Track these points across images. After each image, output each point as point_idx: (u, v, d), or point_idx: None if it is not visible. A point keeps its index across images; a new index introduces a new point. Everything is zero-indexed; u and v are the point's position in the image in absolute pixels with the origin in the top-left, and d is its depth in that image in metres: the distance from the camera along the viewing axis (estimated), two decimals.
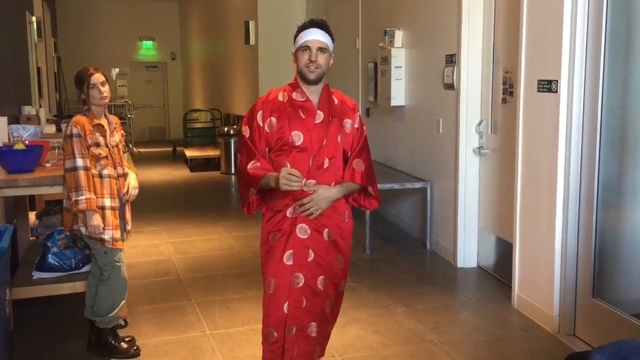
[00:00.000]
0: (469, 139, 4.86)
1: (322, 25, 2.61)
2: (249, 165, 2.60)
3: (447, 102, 5.08)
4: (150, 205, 7.42)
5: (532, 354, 3.44)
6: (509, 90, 4.40)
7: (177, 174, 10.36)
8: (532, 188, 3.87)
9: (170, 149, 13.23)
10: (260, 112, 2.62)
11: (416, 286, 4.57)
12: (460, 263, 4.97)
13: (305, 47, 2.57)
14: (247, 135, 2.64)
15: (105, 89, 3.29)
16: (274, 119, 2.59)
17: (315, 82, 2.59)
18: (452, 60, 4.98)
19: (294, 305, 2.58)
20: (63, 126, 6.83)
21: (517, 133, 3.98)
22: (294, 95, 2.63)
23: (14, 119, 5.72)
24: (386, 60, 6.13)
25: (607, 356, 2.01)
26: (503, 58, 4.50)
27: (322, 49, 2.57)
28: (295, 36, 2.62)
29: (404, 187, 5.57)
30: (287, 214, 2.60)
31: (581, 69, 3.48)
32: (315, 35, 2.57)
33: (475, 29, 4.76)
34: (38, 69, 8.34)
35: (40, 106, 7.76)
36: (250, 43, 9.36)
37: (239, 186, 2.76)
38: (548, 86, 3.65)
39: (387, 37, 6.16)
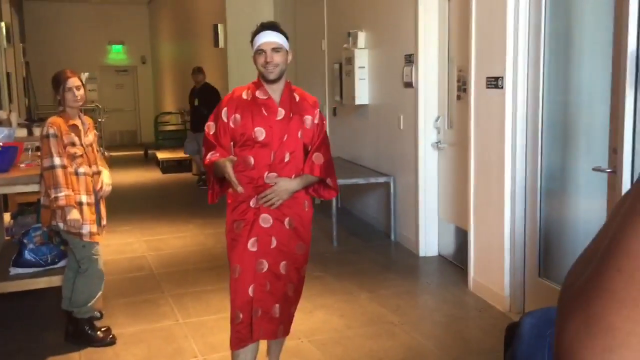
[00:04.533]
0: (427, 134, 5.13)
1: (272, 27, 2.78)
2: (208, 156, 2.80)
3: (407, 100, 5.34)
4: (124, 206, 7.54)
5: (486, 331, 3.71)
6: (462, 87, 4.67)
7: (150, 175, 10.47)
8: (484, 179, 4.15)
9: (142, 152, 13.30)
10: (225, 109, 2.80)
11: (380, 274, 4.82)
12: (422, 252, 5.24)
13: (260, 50, 2.73)
14: (212, 132, 2.82)
15: (80, 93, 3.46)
16: (238, 116, 2.77)
17: (275, 81, 2.78)
18: (410, 59, 5.25)
19: (259, 289, 2.77)
20: (35, 129, 6.94)
21: (469, 128, 4.25)
22: (257, 93, 2.80)
23: None
24: (350, 61, 6.38)
25: (536, 319, 2.26)
26: (457, 57, 4.78)
27: (275, 49, 2.73)
28: (251, 41, 2.79)
29: (369, 181, 5.82)
30: (251, 204, 2.79)
31: (524, 66, 3.76)
32: (267, 38, 2.73)
33: (431, 30, 5.04)
34: (7, 74, 8.41)
35: (10, 110, 7.82)
36: (220, 46, 9.52)
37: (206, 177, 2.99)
38: (495, 83, 3.93)
39: (350, 38, 6.41)
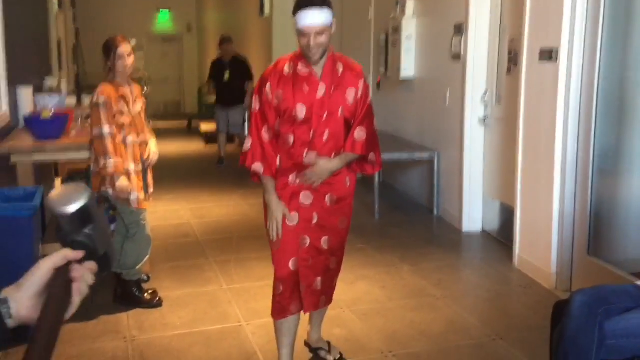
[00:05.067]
0: (474, 109, 5.03)
1: (315, 3, 2.53)
2: (254, 166, 2.75)
3: (454, 73, 5.23)
4: (168, 176, 7.67)
5: (530, 308, 3.66)
6: (513, 59, 4.54)
7: (193, 147, 10.60)
8: (532, 155, 4.05)
9: (185, 122, 13.43)
10: (269, 84, 2.68)
11: (422, 248, 4.79)
12: (465, 228, 5.18)
13: (303, 33, 2.54)
14: (258, 108, 2.72)
15: (131, 60, 3.50)
16: (280, 91, 2.67)
17: (318, 60, 2.67)
18: (460, 29, 5.11)
19: (302, 265, 2.77)
20: (84, 97, 7.08)
21: (518, 102, 4.14)
22: (299, 66, 2.68)
23: (37, 90, 5.97)
24: (397, 30, 6.25)
25: (587, 297, 2.22)
26: (509, 26, 4.63)
27: (319, 32, 2.54)
28: (294, 13, 2.58)
29: (413, 157, 5.76)
30: (289, 180, 2.75)
31: (580, 38, 3.63)
32: (310, 20, 2.52)
33: None
34: (59, 41, 8.55)
35: (60, 78, 7.99)
36: (265, 14, 9.48)
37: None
38: (549, 55, 3.80)
39: (398, 6, 6.26)
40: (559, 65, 3.70)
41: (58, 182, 5.28)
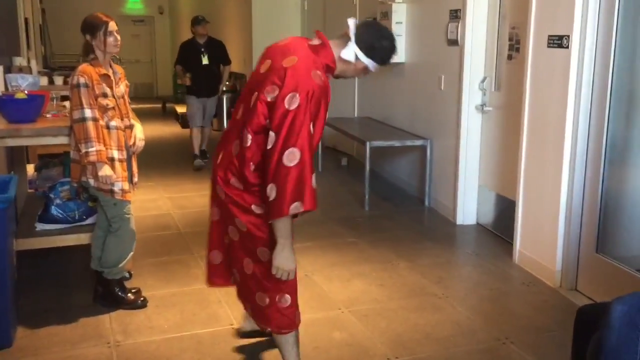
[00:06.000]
0: (471, 96, 4.84)
1: None
2: (294, 206, 2.19)
3: (450, 59, 5.03)
4: (144, 161, 7.29)
5: (535, 307, 3.50)
6: (515, 46, 4.36)
7: (169, 130, 10.25)
8: (538, 145, 3.87)
9: (159, 105, 13.04)
10: (323, 103, 2.26)
11: (417, 242, 4.61)
12: (459, 220, 5.01)
13: (371, 72, 2.46)
14: (311, 130, 2.22)
15: (119, 38, 3.22)
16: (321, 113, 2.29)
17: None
18: (456, 15, 4.92)
19: None
20: (56, 78, 6.69)
21: (524, 89, 3.96)
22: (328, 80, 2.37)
23: (6, 70, 5.57)
24: (386, 15, 6.03)
25: (628, 306, 2.04)
26: (510, 13, 4.44)
27: None
28: (378, 53, 2.39)
29: (404, 144, 5.56)
30: None
31: (594, 24, 3.45)
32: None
33: None
34: (25, 20, 8.09)
35: (29, 58, 7.56)
36: None
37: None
38: (559, 41, 3.61)
39: None
40: (571, 52, 3.52)
41: (30, 168, 4.93)
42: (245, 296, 2.62)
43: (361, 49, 2.36)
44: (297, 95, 2.16)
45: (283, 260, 2.30)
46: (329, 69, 2.37)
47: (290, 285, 2.46)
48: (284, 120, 2.15)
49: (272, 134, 2.18)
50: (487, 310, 3.49)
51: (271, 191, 2.17)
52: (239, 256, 2.48)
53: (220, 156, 2.47)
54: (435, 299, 3.59)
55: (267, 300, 2.46)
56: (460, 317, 3.35)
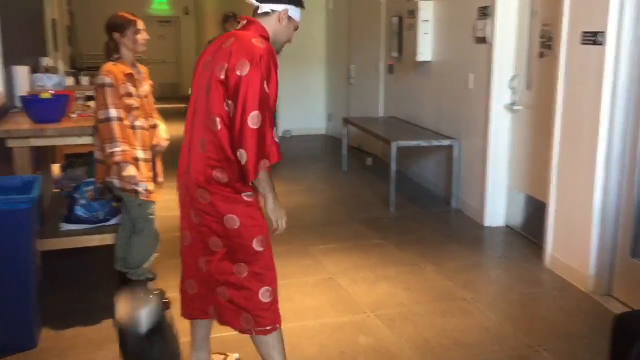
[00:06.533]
0: (501, 94, 4.72)
1: None
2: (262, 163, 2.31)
3: (479, 57, 4.92)
4: (167, 161, 7.34)
5: (568, 312, 3.39)
6: (547, 43, 4.23)
7: None
8: (571, 146, 3.75)
9: (184, 105, 13.08)
10: (275, 68, 2.34)
11: (443, 244, 4.51)
12: (487, 222, 4.90)
13: (297, 27, 2.48)
14: (269, 94, 2.30)
15: (147, 36, 3.22)
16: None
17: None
18: (485, 12, 4.80)
19: None
20: (82, 78, 6.73)
21: (556, 88, 3.84)
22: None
23: (33, 70, 5.61)
24: (413, 13, 5.94)
25: None
26: (541, 9, 4.32)
27: None
28: (295, 2, 2.43)
29: (431, 144, 5.46)
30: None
31: (631, 20, 3.32)
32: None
33: None
34: (53, 20, 8.17)
35: (56, 58, 7.63)
36: None
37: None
38: (593, 38, 3.49)
39: None
40: (606, 49, 3.40)
41: (56, 168, 4.95)
42: (237, 306, 2.48)
43: (286, 3, 2.41)
44: (246, 61, 2.23)
45: (277, 210, 2.42)
46: (267, 39, 2.41)
47: (274, 277, 2.49)
48: (239, 87, 2.22)
49: (230, 102, 2.25)
50: (517, 315, 3.39)
51: (241, 156, 2.25)
52: (227, 268, 2.43)
53: (189, 166, 2.42)
54: (463, 303, 3.50)
55: (269, 296, 2.44)
56: (489, 323, 3.26)
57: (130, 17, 3.19)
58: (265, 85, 2.24)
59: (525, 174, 4.63)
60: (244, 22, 2.45)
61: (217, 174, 2.33)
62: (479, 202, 5.00)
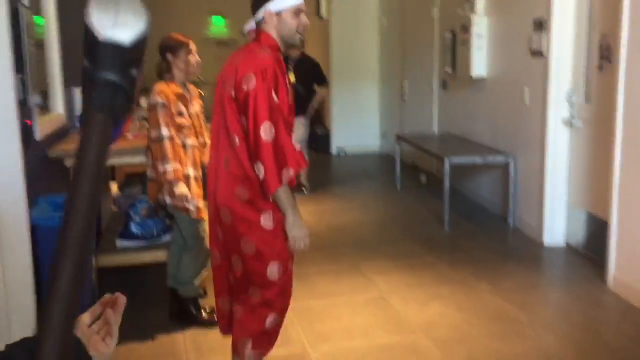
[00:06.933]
0: (558, 109, 4.57)
1: None
2: (285, 173, 2.26)
3: (534, 71, 4.79)
4: None
5: (633, 338, 3.20)
6: (606, 55, 4.07)
7: None
8: (634, 160, 3.58)
9: None
10: (279, 78, 2.30)
11: (500, 263, 4.37)
12: (546, 240, 4.72)
13: (299, 10, 2.33)
14: (277, 102, 2.27)
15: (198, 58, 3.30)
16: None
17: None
18: (540, 25, 4.68)
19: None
20: (141, 100, 6.93)
21: (616, 101, 3.68)
22: (279, 58, 2.38)
23: None
24: (466, 28, 5.86)
25: None
26: (601, 21, 4.17)
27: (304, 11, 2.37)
28: None
29: (486, 161, 5.33)
30: None
31: None
32: None
33: None
34: None
35: None
36: (322, 15, 9.20)
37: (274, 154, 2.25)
38: None
39: (467, 3, 5.88)
40: None
41: (114, 186, 5.11)
42: (242, 327, 2.48)
43: (263, 4, 2.33)
44: (251, 74, 2.22)
45: (297, 229, 2.32)
46: (275, 46, 2.35)
47: (287, 303, 2.50)
48: (247, 101, 2.21)
49: (243, 118, 2.24)
50: (578, 340, 3.23)
51: (259, 169, 2.23)
52: (243, 288, 2.43)
53: (215, 185, 2.40)
54: (519, 325, 3.37)
55: (274, 323, 2.46)
56: (548, 347, 3.11)
57: (183, 39, 3.27)
58: (273, 96, 2.22)
59: (585, 190, 4.44)
60: (251, 36, 2.43)
61: (239, 192, 2.32)
62: (537, 220, 4.82)
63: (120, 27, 0.68)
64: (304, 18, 2.35)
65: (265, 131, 2.19)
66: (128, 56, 0.69)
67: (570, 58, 4.50)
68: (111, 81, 0.69)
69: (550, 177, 4.65)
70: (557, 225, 4.69)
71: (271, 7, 2.32)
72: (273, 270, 2.36)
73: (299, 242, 2.33)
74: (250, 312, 2.43)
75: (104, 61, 0.68)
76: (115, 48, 0.68)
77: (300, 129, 6.36)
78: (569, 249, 4.62)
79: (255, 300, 2.41)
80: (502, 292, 3.83)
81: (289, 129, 2.29)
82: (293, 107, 2.42)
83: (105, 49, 0.68)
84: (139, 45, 0.70)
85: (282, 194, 2.26)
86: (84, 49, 0.70)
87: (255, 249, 2.33)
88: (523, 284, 3.96)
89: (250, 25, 2.40)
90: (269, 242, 2.33)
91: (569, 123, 4.53)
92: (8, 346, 0.84)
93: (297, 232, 2.32)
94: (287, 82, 2.34)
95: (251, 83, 2.21)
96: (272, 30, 2.34)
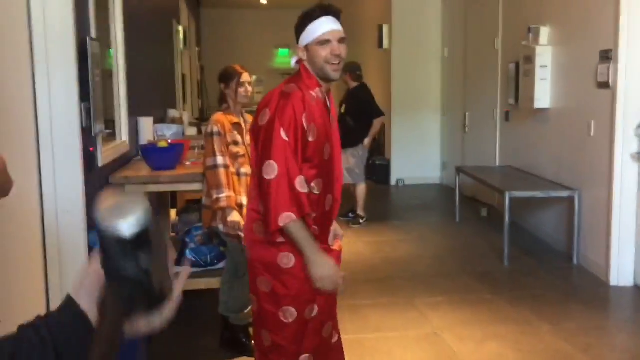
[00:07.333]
0: (626, 142, 4.38)
1: (335, 12, 2.26)
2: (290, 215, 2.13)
3: (601, 103, 4.62)
4: None
5: None
6: None
7: None
8: None
9: None
10: (305, 114, 2.18)
11: (562, 303, 4.17)
12: (613, 280, 4.48)
13: (325, 41, 2.21)
14: (289, 143, 2.17)
15: (250, 89, 3.36)
16: (313, 125, 2.21)
17: (334, 81, 2.31)
18: (607, 56, 4.52)
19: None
20: (203, 128, 7.13)
21: None
22: (316, 92, 2.26)
23: (160, 121, 6.05)
24: (530, 59, 5.73)
25: None
26: None
27: (342, 40, 2.25)
28: (301, 28, 2.27)
29: (549, 195, 5.14)
30: (329, 242, 2.45)
31: None
32: (333, 25, 2.22)
33: (636, 21, 4.28)
34: (183, 76, 8.81)
35: (184, 110, 8.18)
36: (384, 47, 9.24)
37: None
38: None
39: (531, 34, 5.77)
40: None
41: (172, 212, 5.23)
42: None
43: (297, 41, 2.29)
44: (267, 110, 2.19)
45: (319, 268, 2.16)
46: (313, 79, 2.27)
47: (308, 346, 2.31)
48: (259, 136, 2.20)
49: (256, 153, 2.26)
50: None
51: (261, 206, 2.19)
52: (257, 330, 2.37)
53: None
54: None
55: None
56: None
57: (237, 69, 3.35)
58: (283, 134, 2.12)
59: None
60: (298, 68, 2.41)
61: (257, 228, 2.28)
62: (603, 258, 4.59)
63: (121, 220, 0.73)
64: (334, 46, 2.21)
65: (266, 169, 2.12)
66: (132, 248, 0.74)
67: (638, 90, 4.32)
68: (124, 275, 0.74)
69: (617, 213, 4.44)
70: (625, 264, 4.45)
71: (300, 42, 2.30)
72: (286, 314, 2.24)
73: (325, 282, 2.17)
74: (261, 357, 2.35)
75: (109, 254, 0.75)
76: (119, 241, 0.73)
77: (349, 161, 6.25)
78: (638, 290, 4.37)
79: (265, 346, 2.30)
80: (564, 333, 3.65)
81: (296, 166, 2.15)
82: (338, 139, 2.40)
83: (109, 242, 0.74)
84: (142, 236, 0.75)
85: (293, 232, 2.12)
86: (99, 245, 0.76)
87: (271, 288, 2.24)
88: (587, 326, 3.76)
89: (295, 59, 2.40)
90: (285, 283, 2.22)
91: (638, 157, 4.33)
92: (20, 327, 0.84)
93: (320, 271, 2.15)
94: (327, 114, 2.29)
95: (265, 119, 2.19)
96: (308, 65, 2.30)
